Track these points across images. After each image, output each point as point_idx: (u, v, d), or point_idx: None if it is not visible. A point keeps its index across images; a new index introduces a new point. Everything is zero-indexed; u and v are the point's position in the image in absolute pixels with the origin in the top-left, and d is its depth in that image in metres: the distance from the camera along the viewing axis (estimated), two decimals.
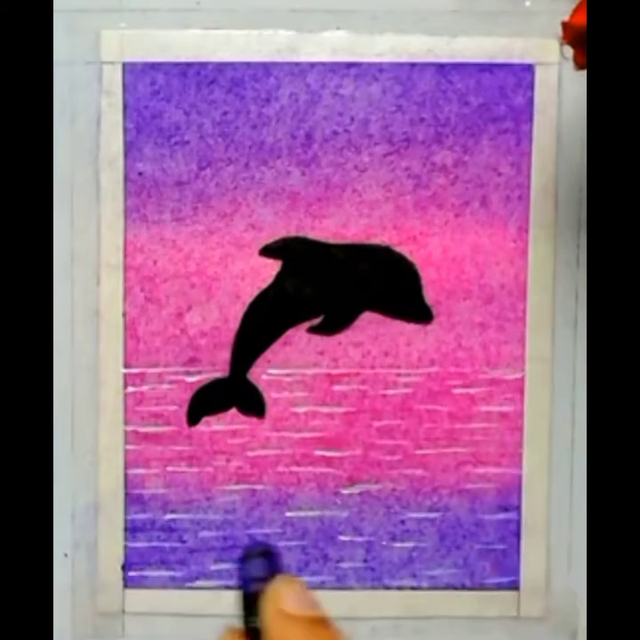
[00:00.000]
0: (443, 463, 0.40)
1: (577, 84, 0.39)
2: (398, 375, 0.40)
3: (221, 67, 0.39)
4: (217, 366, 0.40)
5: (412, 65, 0.39)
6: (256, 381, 0.40)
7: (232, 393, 0.40)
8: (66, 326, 0.39)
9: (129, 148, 0.39)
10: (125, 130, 0.39)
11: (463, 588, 0.40)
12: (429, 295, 0.40)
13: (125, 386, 0.40)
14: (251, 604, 0.29)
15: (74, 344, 0.39)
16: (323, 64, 0.39)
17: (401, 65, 0.39)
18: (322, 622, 0.28)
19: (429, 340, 0.40)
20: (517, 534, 0.40)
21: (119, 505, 0.40)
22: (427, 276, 0.39)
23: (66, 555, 0.40)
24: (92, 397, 0.40)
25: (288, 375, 0.40)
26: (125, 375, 0.40)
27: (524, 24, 0.39)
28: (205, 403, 0.40)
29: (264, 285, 0.40)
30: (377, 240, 0.39)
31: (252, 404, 0.40)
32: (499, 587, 0.40)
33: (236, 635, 0.29)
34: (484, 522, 0.40)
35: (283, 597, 0.28)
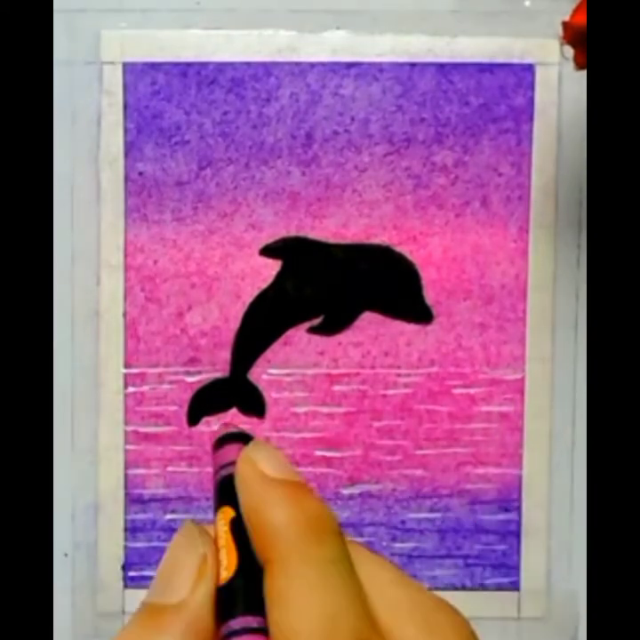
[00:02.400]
0: (443, 463, 0.40)
1: (577, 83, 0.39)
2: (398, 375, 0.40)
3: (221, 67, 0.39)
4: (217, 366, 0.40)
5: (413, 65, 0.39)
6: (256, 381, 0.40)
7: (232, 393, 0.40)
8: (66, 326, 0.39)
9: (129, 147, 0.39)
10: (125, 130, 0.39)
11: (463, 588, 0.40)
12: (429, 295, 0.40)
13: (125, 386, 0.40)
14: (226, 492, 0.26)
15: (74, 344, 0.39)
16: (323, 64, 0.39)
17: (401, 65, 0.39)
18: (303, 486, 0.25)
19: (429, 340, 0.40)
20: (517, 535, 0.40)
21: (119, 505, 0.40)
22: (427, 276, 0.39)
23: (66, 555, 0.40)
24: (92, 397, 0.40)
25: (288, 375, 0.40)
26: (125, 375, 0.40)
27: (524, 24, 0.39)
28: (205, 403, 0.40)
29: (264, 285, 0.40)
30: (377, 240, 0.39)
31: (253, 403, 0.40)
32: (499, 587, 0.40)
33: (196, 527, 0.26)
34: (484, 522, 0.40)
35: (259, 459, 0.25)
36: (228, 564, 0.25)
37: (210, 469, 0.40)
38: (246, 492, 0.25)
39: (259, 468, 0.25)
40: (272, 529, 0.24)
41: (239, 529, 0.25)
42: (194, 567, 0.25)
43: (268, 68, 0.39)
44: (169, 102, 0.39)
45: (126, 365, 0.40)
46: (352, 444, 0.40)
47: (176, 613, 0.24)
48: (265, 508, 0.24)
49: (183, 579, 0.25)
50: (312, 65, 0.39)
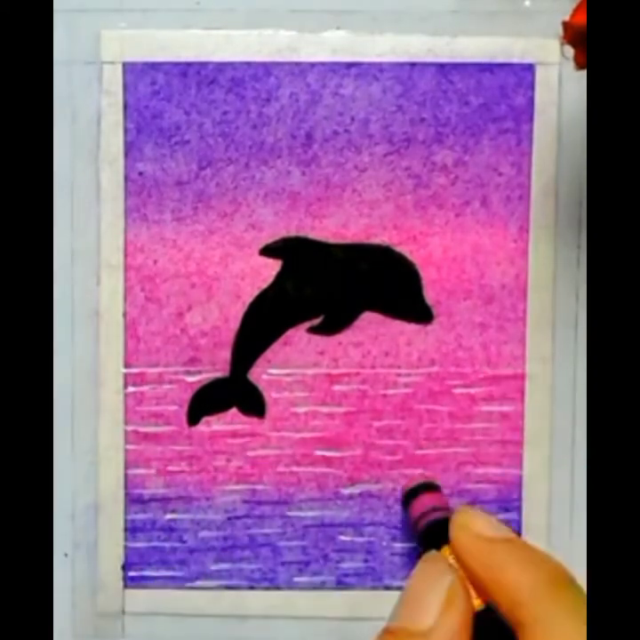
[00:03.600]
0: (443, 463, 0.40)
1: (577, 83, 0.39)
2: (398, 375, 0.40)
3: (221, 67, 0.39)
4: (217, 366, 0.40)
5: (413, 65, 0.39)
6: (256, 381, 0.40)
7: (232, 393, 0.40)
8: (66, 326, 0.39)
9: (129, 147, 0.39)
10: (125, 130, 0.39)
11: None
12: (429, 295, 0.40)
13: (125, 386, 0.40)
14: (442, 534, 0.28)
15: (74, 344, 0.39)
16: (323, 64, 0.39)
17: (401, 65, 0.39)
18: (521, 541, 0.26)
19: (429, 340, 0.40)
20: (518, 534, 0.40)
21: (119, 505, 0.40)
22: (427, 276, 0.39)
23: (66, 555, 0.40)
24: (92, 397, 0.40)
25: (288, 375, 0.40)
26: (125, 375, 0.40)
27: (524, 24, 0.39)
28: (205, 403, 0.40)
29: (264, 285, 0.40)
30: (377, 240, 0.39)
31: (253, 403, 0.40)
32: None
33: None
34: None
35: (472, 524, 0.26)
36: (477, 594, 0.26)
37: (210, 469, 0.40)
38: (471, 557, 0.26)
39: (475, 532, 0.26)
40: (517, 591, 0.24)
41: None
42: (442, 594, 0.25)
43: (268, 68, 0.39)
44: (169, 102, 0.39)
45: (126, 365, 0.40)
46: (352, 444, 0.40)
47: (425, 639, 0.24)
48: (500, 570, 0.25)
49: (432, 605, 0.25)
50: (312, 65, 0.39)
